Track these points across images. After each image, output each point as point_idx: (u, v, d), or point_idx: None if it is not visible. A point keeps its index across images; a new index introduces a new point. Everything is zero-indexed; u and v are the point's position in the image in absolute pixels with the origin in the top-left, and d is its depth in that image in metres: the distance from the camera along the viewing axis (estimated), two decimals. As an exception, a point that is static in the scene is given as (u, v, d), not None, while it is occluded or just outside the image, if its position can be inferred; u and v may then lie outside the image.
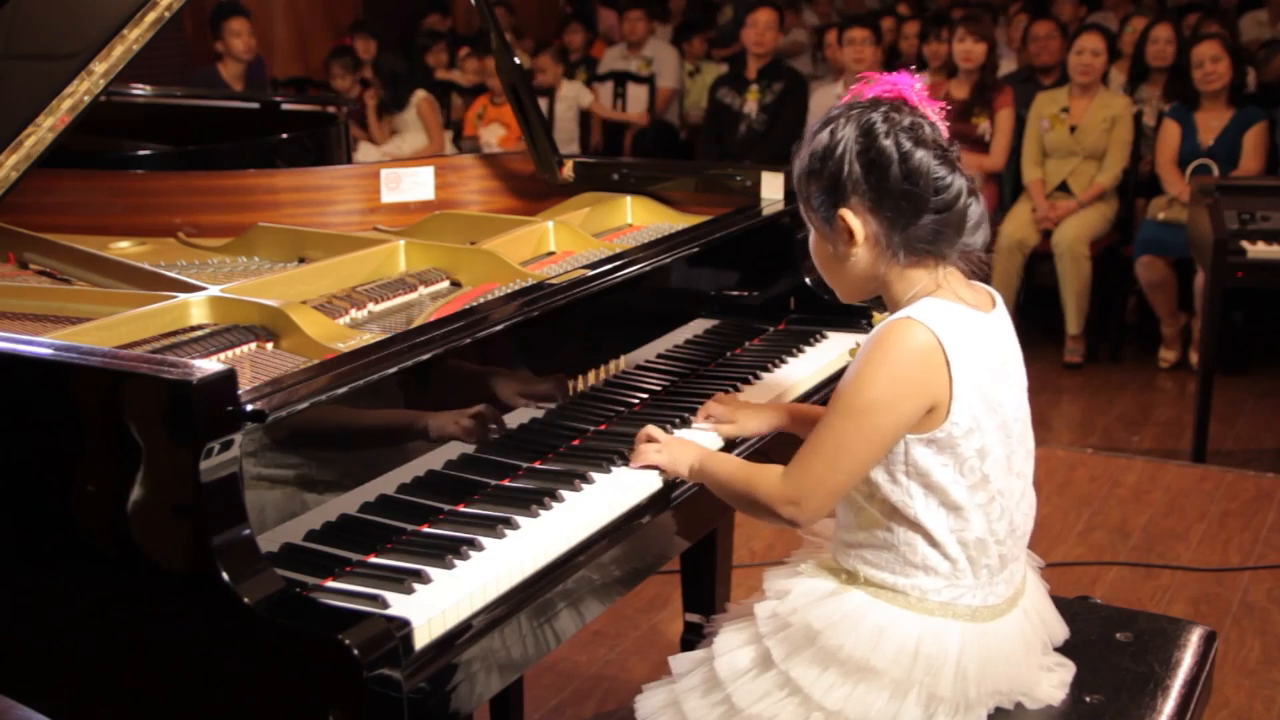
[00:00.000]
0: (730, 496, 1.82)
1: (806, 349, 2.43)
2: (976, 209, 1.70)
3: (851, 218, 1.70)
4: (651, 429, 1.92)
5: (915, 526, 1.70)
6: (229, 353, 1.82)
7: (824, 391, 2.28)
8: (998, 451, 1.71)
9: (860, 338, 2.43)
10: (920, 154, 1.66)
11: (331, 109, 4.02)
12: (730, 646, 1.79)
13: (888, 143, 1.66)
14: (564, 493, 1.80)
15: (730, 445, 2.03)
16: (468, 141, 7.51)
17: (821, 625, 1.71)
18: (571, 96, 7.57)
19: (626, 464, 1.89)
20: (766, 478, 1.75)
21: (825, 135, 1.71)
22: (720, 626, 1.84)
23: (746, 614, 1.82)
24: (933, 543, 1.70)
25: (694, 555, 2.59)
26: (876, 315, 1.94)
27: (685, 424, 2.04)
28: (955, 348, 1.65)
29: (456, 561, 1.59)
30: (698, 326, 2.35)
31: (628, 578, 1.83)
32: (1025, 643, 1.78)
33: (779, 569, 1.85)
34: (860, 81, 1.75)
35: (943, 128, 1.71)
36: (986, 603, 1.74)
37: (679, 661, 1.86)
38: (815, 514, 1.74)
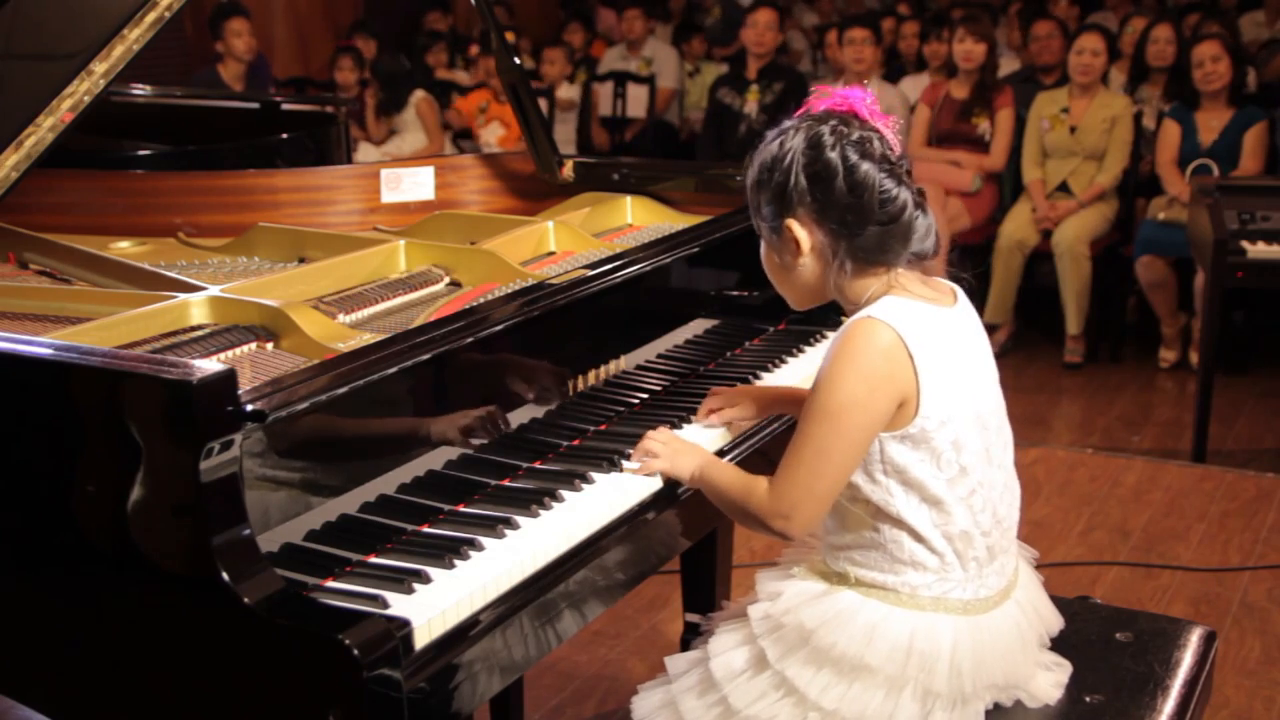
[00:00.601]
0: (726, 507, 1.83)
1: (806, 349, 2.43)
2: (923, 221, 1.72)
3: (798, 228, 1.72)
4: (656, 432, 1.92)
5: (899, 524, 1.71)
6: (229, 353, 1.82)
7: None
8: (974, 443, 1.72)
9: None
10: (866, 166, 1.68)
11: (331, 109, 4.02)
12: (725, 647, 1.80)
13: (833, 155, 1.69)
14: (564, 493, 1.80)
15: (738, 441, 2.03)
16: (460, 133, 7.51)
17: (814, 624, 1.72)
18: (567, 100, 7.57)
19: (628, 462, 1.88)
20: (757, 490, 1.76)
21: (774, 146, 1.74)
22: (715, 627, 1.85)
23: (740, 614, 1.82)
24: (918, 538, 1.71)
25: (694, 555, 2.59)
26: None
27: (686, 422, 2.04)
28: (917, 342, 1.67)
29: (457, 561, 1.59)
30: (698, 326, 2.35)
31: (628, 578, 1.83)
32: (1020, 635, 1.79)
33: (771, 571, 1.86)
34: (821, 96, 1.78)
35: (894, 142, 1.73)
36: (978, 596, 1.75)
37: (675, 662, 1.86)
38: (806, 525, 1.74)
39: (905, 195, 1.70)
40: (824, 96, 1.77)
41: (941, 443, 1.69)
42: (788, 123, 1.76)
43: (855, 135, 1.70)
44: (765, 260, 1.83)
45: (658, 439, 1.90)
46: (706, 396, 2.08)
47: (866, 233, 1.69)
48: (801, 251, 1.74)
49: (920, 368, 1.66)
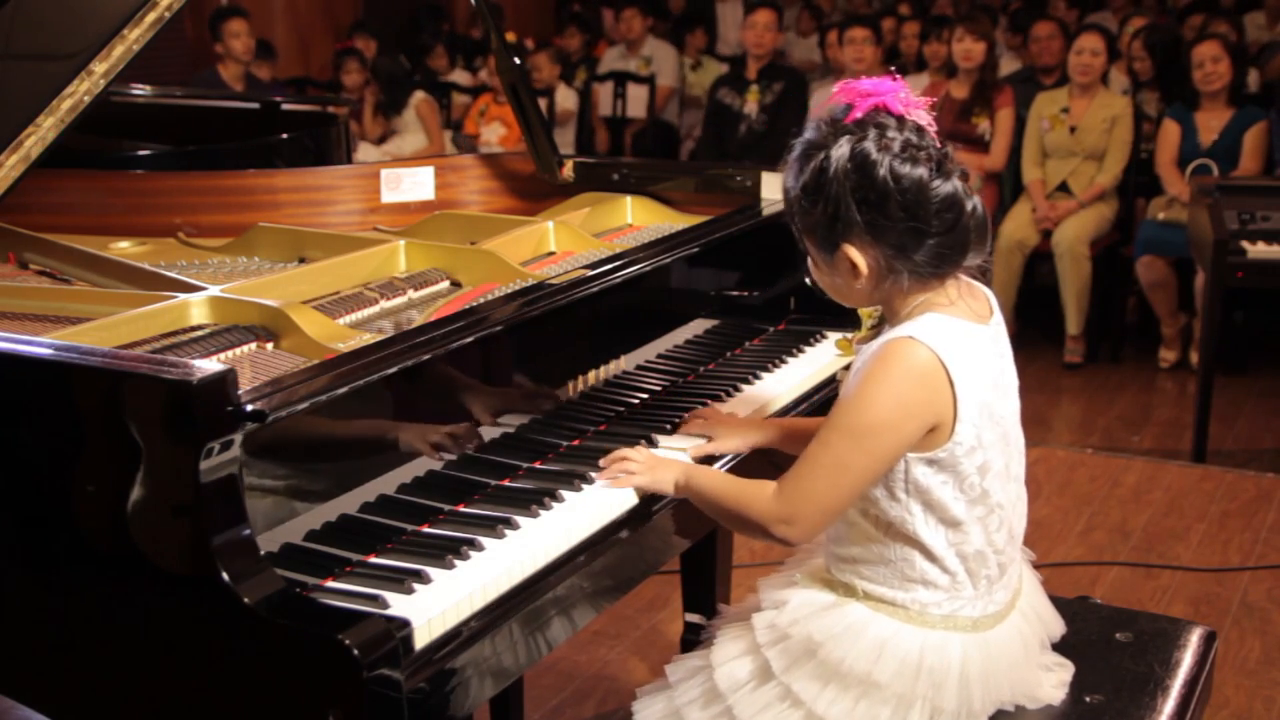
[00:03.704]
0: (718, 513, 1.79)
1: (806, 349, 2.43)
2: (979, 214, 1.66)
3: (854, 253, 1.65)
4: (626, 450, 1.86)
5: (912, 542, 1.69)
6: (229, 353, 1.82)
7: (822, 393, 2.28)
8: (998, 464, 1.70)
9: (846, 333, 2.44)
10: (918, 174, 1.60)
11: (332, 109, 4.02)
12: (728, 656, 1.78)
13: (883, 173, 1.60)
14: (564, 493, 1.79)
15: (708, 461, 1.98)
16: (465, 139, 7.51)
17: (822, 638, 1.70)
18: (559, 100, 7.56)
19: (600, 477, 1.83)
20: (759, 495, 1.71)
21: (816, 168, 1.64)
22: (716, 632, 1.83)
23: (743, 619, 1.81)
24: (931, 558, 1.69)
25: (694, 555, 2.59)
26: (863, 312, 1.92)
27: (684, 422, 2.04)
28: (958, 366, 1.63)
29: (457, 562, 1.59)
30: (698, 326, 2.35)
31: (628, 577, 1.83)
32: (1025, 644, 1.78)
33: (773, 578, 1.84)
34: (843, 89, 1.68)
35: (930, 127, 1.65)
36: (987, 612, 1.73)
37: (675, 668, 1.84)
38: (809, 533, 1.71)
39: (959, 192, 1.63)
40: (855, 94, 1.66)
41: (968, 467, 1.66)
42: (821, 131, 1.66)
43: (899, 143, 1.61)
44: (815, 273, 1.76)
45: (634, 454, 1.85)
46: (689, 416, 2.03)
47: (921, 247, 1.63)
48: (860, 274, 1.67)
49: (959, 394, 1.62)
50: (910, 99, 1.67)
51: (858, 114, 1.65)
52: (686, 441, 1.98)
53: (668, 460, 1.87)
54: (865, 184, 1.61)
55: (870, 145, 1.62)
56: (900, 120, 1.64)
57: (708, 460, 1.96)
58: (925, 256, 1.64)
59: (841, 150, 1.63)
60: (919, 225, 1.62)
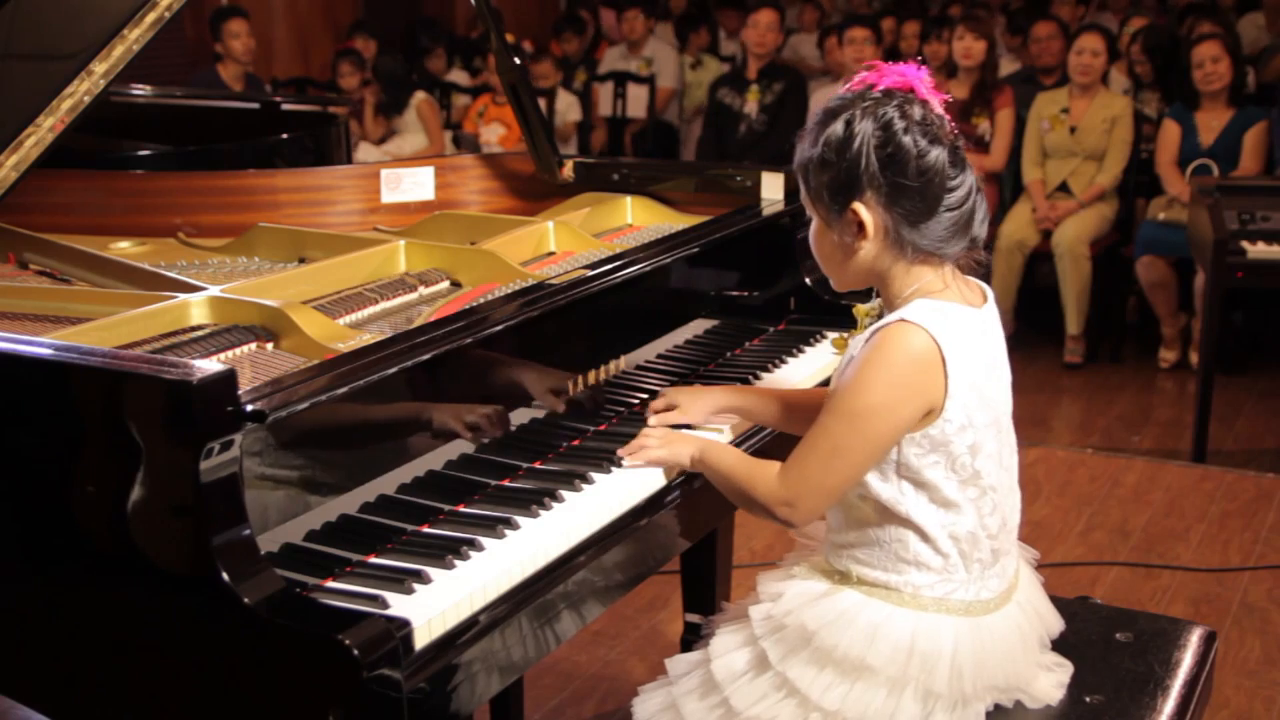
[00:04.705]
0: (729, 491, 1.83)
1: (806, 349, 2.43)
2: (982, 207, 1.71)
3: (864, 211, 1.68)
4: (644, 430, 1.93)
5: (906, 523, 1.71)
6: (229, 353, 1.82)
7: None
8: (990, 447, 1.72)
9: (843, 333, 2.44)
10: (935, 152, 1.65)
11: (332, 109, 4.02)
12: (726, 649, 1.79)
13: (906, 139, 1.65)
14: (564, 493, 1.80)
15: (737, 441, 2.02)
16: (467, 137, 7.51)
17: (816, 625, 1.71)
18: (562, 110, 7.55)
19: (623, 453, 1.88)
20: (765, 476, 1.76)
21: (840, 126, 1.68)
22: (716, 628, 1.85)
23: (741, 615, 1.82)
24: (924, 538, 1.71)
25: (694, 555, 2.59)
26: (859, 307, 1.92)
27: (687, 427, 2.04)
28: (951, 349, 1.66)
29: (456, 562, 1.59)
30: (698, 327, 2.35)
31: (628, 578, 1.83)
32: (1021, 637, 1.78)
33: (772, 572, 1.86)
34: (868, 70, 1.73)
35: (950, 122, 1.71)
36: (979, 597, 1.75)
37: (676, 664, 1.86)
38: (810, 515, 1.75)
39: (970, 180, 1.68)
40: (879, 72, 1.71)
41: (959, 446, 1.68)
42: (843, 100, 1.70)
43: (920, 116, 1.66)
44: (818, 240, 1.78)
45: (652, 431, 1.91)
46: (655, 400, 2.05)
47: (933, 220, 1.67)
48: (865, 234, 1.69)
49: (951, 373, 1.65)
50: (932, 88, 1.71)
51: (881, 88, 1.70)
52: (721, 422, 2.03)
53: (684, 435, 1.91)
54: (887, 142, 1.66)
55: (894, 111, 1.66)
56: (925, 103, 1.69)
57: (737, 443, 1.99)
58: (932, 230, 1.67)
59: (868, 113, 1.67)
60: (932, 193, 1.66)
